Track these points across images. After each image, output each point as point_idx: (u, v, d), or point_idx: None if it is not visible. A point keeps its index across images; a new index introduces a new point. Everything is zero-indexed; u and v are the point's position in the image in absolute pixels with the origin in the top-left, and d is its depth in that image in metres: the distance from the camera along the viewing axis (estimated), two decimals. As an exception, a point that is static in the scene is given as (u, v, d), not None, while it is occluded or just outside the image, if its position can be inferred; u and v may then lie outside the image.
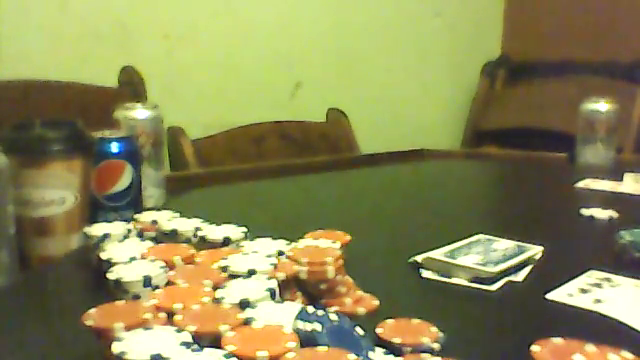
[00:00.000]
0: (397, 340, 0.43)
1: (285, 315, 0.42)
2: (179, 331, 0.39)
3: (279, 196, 1.02)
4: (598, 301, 0.55)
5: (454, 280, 0.60)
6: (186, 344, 0.38)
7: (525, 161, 1.45)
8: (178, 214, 0.66)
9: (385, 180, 1.18)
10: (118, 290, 0.48)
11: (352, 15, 2.03)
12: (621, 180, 1.08)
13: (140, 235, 0.62)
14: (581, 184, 1.06)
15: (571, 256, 0.70)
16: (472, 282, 0.59)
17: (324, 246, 0.55)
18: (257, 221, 0.63)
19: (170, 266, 0.51)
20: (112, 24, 1.55)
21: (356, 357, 0.37)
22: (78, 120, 0.72)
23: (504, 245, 0.67)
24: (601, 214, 0.83)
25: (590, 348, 0.41)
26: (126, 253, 0.54)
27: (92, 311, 0.43)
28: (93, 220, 0.70)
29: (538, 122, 2.09)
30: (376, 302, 0.53)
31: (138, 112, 0.86)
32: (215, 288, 0.47)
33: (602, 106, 1.25)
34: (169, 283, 0.49)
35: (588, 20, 2.23)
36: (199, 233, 0.59)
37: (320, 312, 0.42)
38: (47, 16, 1.45)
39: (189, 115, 1.54)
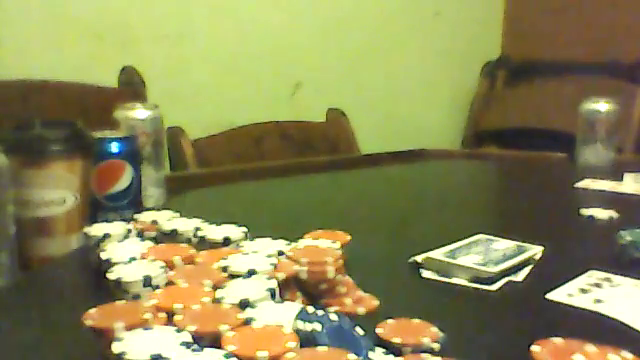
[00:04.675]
0: (397, 340, 0.43)
1: (285, 315, 0.42)
2: (179, 331, 0.40)
3: (279, 196, 1.02)
4: (598, 301, 0.55)
5: (454, 280, 0.60)
6: (186, 344, 0.38)
7: (525, 161, 1.45)
8: (178, 214, 0.66)
9: (385, 180, 1.18)
10: (118, 290, 0.48)
11: (352, 15, 2.03)
12: (621, 180, 1.08)
13: (140, 235, 0.62)
14: (581, 184, 1.06)
15: (571, 256, 0.70)
16: (472, 282, 0.59)
17: (324, 246, 0.55)
18: (257, 221, 0.63)
19: (170, 266, 0.51)
20: (112, 24, 1.55)
21: (356, 357, 0.37)
22: (78, 120, 0.72)
23: (504, 245, 0.67)
24: (601, 214, 0.83)
25: (590, 348, 0.41)
26: (126, 253, 0.54)
27: (92, 311, 0.43)
28: (93, 220, 0.70)
29: (538, 122, 2.09)
30: (376, 302, 0.53)
31: (138, 112, 0.86)
32: (215, 288, 0.47)
33: (602, 106, 1.25)
34: (169, 283, 0.49)
35: (588, 20, 2.23)
36: (199, 233, 0.59)
37: (320, 312, 0.42)
38: (47, 16, 1.45)
39: (189, 115, 1.54)
